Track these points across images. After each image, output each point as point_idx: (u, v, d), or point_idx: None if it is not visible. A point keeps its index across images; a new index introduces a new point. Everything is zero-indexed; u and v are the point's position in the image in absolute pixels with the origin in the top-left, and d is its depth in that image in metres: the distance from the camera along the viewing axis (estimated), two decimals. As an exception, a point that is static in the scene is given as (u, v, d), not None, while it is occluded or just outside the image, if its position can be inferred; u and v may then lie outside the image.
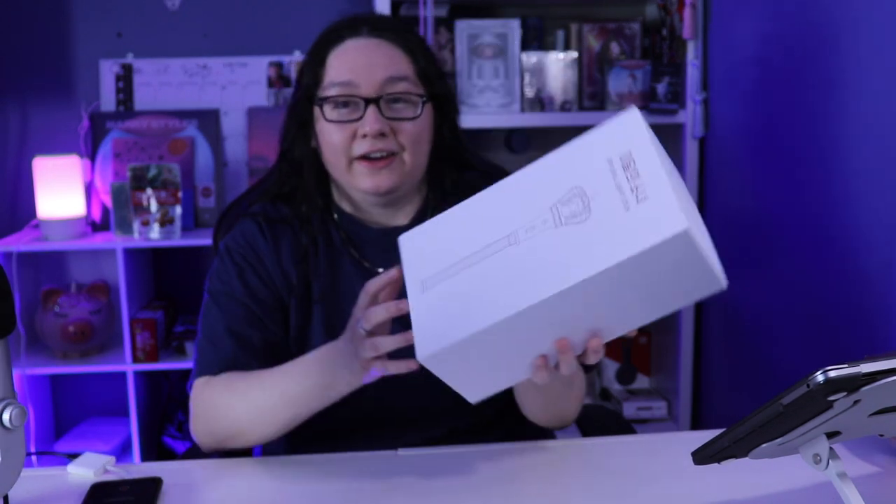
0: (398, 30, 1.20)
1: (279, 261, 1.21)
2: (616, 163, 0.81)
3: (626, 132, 0.82)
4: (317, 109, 1.17)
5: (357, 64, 1.15)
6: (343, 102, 1.15)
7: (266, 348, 1.16)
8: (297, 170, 1.24)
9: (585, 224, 0.80)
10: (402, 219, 1.24)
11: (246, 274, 1.19)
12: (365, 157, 1.14)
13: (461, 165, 1.29)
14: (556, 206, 0.83)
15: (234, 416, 1.11)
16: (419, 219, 1.24)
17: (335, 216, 1.24)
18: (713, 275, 0.79)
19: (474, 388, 0.89)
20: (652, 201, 0.77)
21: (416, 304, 0.87)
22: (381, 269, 1.22)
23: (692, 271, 0.78)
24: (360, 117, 1.14)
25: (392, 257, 1.21)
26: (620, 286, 0.79)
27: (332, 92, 1.15)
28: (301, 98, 1.21)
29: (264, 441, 1.12)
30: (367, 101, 1.14)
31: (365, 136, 1.13)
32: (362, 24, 1.19)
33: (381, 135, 1.13)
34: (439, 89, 1.21)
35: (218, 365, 1.14)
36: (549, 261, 0.80)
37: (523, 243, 0.83)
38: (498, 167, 1.37)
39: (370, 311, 0.96)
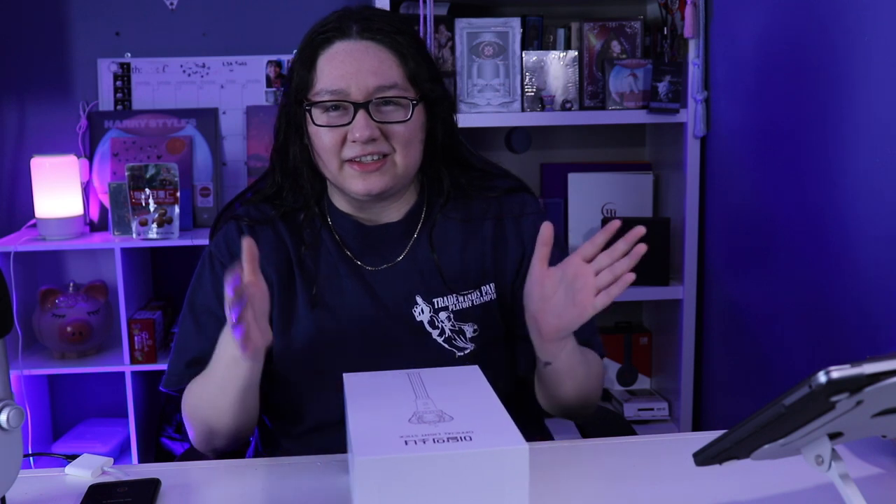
0: (389, 30, 1.17)
1: (262, 268, 1.20)
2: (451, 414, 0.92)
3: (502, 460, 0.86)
4: (307, 113, 1.18)
5: (346, 71, 1.15)
6: (333, 106, 1.15)
7: None
8: (289, 168, 1.24)
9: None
10: (394, 215, 1.24)
11: (220, 280, 1.20)
12: (356, 161, 1.15)
13: (459, 165, 1.28)
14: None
15: (202, 415, 1.17)
16: (412, 216, 1.25)
17: (327, 213, 1.25)
18: None
19: None
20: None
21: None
22: (370, 268, 1.23)
23: None
24: (350, 121, 1.14)
25: (382, 253, 1.24)
26: None
27: (321, 98, 1.16)
28: (291, 100, 1.20)
29: (235, 433, 1.17)
30: (357, 106, 1.14)
31: (355, 140, 1.14)
32: (352, 22, 1.17)
33: (372, 139, 1.14)
34: (430, 91, 1.20)
35: (186, 377, 1.21)
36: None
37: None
38: (496, 166, 1.37)
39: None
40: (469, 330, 1.22)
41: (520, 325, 1.24)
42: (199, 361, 1.18)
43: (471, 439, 0.86)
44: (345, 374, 1.04)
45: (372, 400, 0.97)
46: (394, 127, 1.15)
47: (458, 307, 1.22)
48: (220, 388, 1.12)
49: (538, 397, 1.25)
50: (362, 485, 0.83)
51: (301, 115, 1.19)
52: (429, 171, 1.25)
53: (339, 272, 1.22)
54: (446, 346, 1.21)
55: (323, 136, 1.16)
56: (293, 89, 1.20)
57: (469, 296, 1.23)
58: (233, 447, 1.20)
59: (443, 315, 1.21)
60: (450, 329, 1.21)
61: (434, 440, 0.86)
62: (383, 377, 1.04)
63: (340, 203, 1.25)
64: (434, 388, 1.00)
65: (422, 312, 1.21)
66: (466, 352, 1.21)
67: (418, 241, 1.24)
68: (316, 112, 1.16)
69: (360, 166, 1.15)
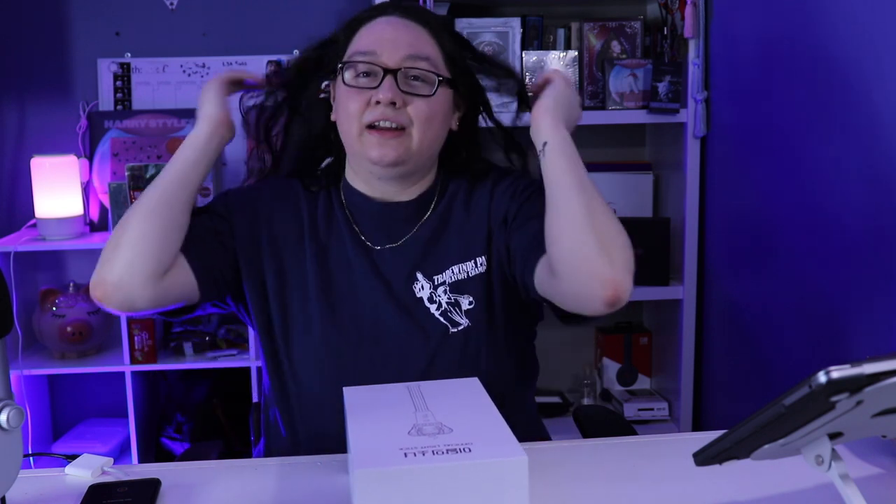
0: (428, 15, 1.25)
1: (270, 224, 1.25)
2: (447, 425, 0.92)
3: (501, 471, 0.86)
4: (338, 78, 1.22)
5: (383, 37, 1.20)
6: (364, 72, 1.19)
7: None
8: (314, 141, 1.30)
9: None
10: (406, 196, 1.27)
11: (233, 215, 1.27)
12: (375, 128, 1.18)
13: (477, 158, 1.32)
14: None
15: (127, 220, 1.16)
16: (424, 200, 1.27)
17: (342, 192, 1.28)
18: None
19: None
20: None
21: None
22: (376, 246, 1.25)
23: None
24: (377, 86, 1.17)
25: (390, 232, 1.26)
26: None
27: (354, 59, 1.20)
28: (326, 71, 1.26)
29: (150, 250, 1.14)
30: (386, 72, 1.17)
31: (378, 102, 1.17)
32: (395, 8, 1.24)
33: (393, 104, 1.17)
34: (462, 75, 1.24)
35: None
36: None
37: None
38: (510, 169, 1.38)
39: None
40: (465, 302, 1.23)
41: (516, 256, 1.22)
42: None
43: (470, 451, 0.86)
44: (345, 388, 1.04)
45: (372, 413, 0.97)
46: (417, 100, 1.18)
47: (453, 279, 1.24)
48: (163, 182, 1.19)
49: (550, 253, 1.13)
50: (362, 497, 0.83)
51: (331, 83, 1.25)
52: (447, 159, 1.29)
53: (348, 248, 1.24)
54: (442, 319, 1.22)
55: (348, 98, 1.19)
56: (330, 54, 1.25)
57: (464, 267, 1.24)
58: (135, 281, 1.13)
59: (441, 290, 1.24)
60: (446, 302, 1.23)
61: (433, 452, 0.86)
62: (383, 390, 1.05)
63: (356, 181, 1.27)
64: (433, 400, 1.00)
65: (422, 289, 1.23)
66: (460, 328, 1.22)
67: (425, 224, 1.26)
68: (346, 74, 1.20)
69: (379, 133, 1.18)
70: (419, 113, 1.18)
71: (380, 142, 1.18)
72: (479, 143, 1.33)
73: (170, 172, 1.21)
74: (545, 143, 1.14)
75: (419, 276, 1.24)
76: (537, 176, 1.19)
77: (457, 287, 1.24)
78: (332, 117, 1.26)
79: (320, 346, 1.21)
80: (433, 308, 1.23)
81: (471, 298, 1.23)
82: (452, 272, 1.24)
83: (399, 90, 1.17)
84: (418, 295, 1.23)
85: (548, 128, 1.15)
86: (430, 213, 1.27)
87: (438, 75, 1.20)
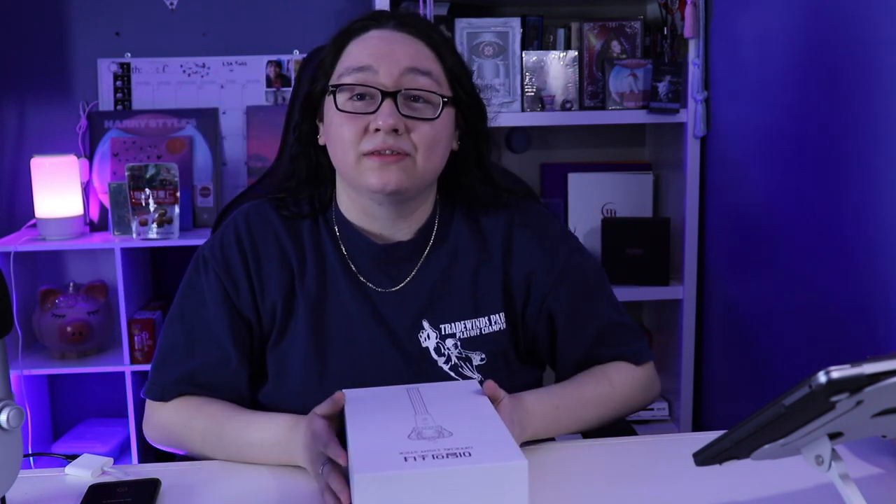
0: (427, 27, 1.14)
1: (259, 273, 1.15)
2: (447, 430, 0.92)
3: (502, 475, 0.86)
4: (329, 99, 1.10)
5: (378, 50, 1.08)
6: (359, 95, 1.08)
7: (218, 371, 1.14)
8: (299, 168, 1.19)
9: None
10: (406, 233, 1.17)
11: (215, 292, 1.15)
12: (375, 153, 1.07)
13: (481, 180, 1.21)
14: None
15: (189, 447, 1.13)
16: (423, 233, 1.18)
17: (334, 225, 1.18)
18: None
19: None
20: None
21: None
22: (378, 289, 1.16)
23: None
24: (375, 110, 1.07)
25: (391, 274, 1.17)
26: None
27: (348, 79, 1.08)
28: (315, 89, 1.15)
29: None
30: (385, 95, 1.07)
31: (378, 130, 1.06)
32: (389, 18, 1.13)
33: (395, 131, 1.06)
34: (464, 93, 1.15)
35: (172, 392, 1.15)
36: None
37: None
38: (521, 185, 1.31)
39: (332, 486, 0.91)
40: (476, 358, 1.16)
41: (539, 349, 1.23)
42: (188, 379, 1.14)
43: (470, 455, 0.86)
44: (346, 391, 1.02)
45: (371, 416, 0.97)
46: (419, 125, 1.08)
47: (465, 335, 1.16)
48: (227, 451, 1.08)
49: None
50: (362, 502, 0.83)
51: (321, 104, 1.14)
52: (447, 185, 1.20)
53: (344, 292, 1.15)
54: (452, 374, 1.15)
55: (343, 125, 1.08)
56: (318, 76, 1.14)
57: (477, 323, 1.17)
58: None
59: (449, 342, 1.15)
60: (456, 356, 1.15)
61: (433, 456, 0.86)
62: (383, 393, 1.04)
63: (350, 213, 1.17)
64: (433, 403, 0.99)
65: (428, 338, 1.15)
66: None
67: (427, 262, 1.17)
68: (340, 97, 1.09)
69: (379, 158, 1.06)
70: (423, 139, 1.07)
71: (381, 167, 1.06)
72: (485, 165, 1.21)
73: (239, 454, 1.08)
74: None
75: (425, 324, 1.15)
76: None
77: (469, 343, 1.16)
78: (321, 140, 1.16)
79: (318, 398, 1.07)
80: (441, 361, 1.15)
81: (483, 355, 1.16)
82: (465, 327, 1.16)
83: (400, 114, 1.06)
84: (424, 345, 1.14)
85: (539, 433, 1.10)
86: (431, 248, 1.18)
87: (442, 96, 1.09)
